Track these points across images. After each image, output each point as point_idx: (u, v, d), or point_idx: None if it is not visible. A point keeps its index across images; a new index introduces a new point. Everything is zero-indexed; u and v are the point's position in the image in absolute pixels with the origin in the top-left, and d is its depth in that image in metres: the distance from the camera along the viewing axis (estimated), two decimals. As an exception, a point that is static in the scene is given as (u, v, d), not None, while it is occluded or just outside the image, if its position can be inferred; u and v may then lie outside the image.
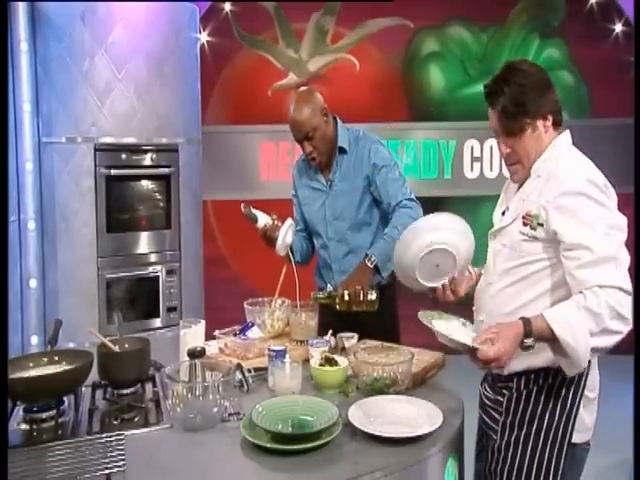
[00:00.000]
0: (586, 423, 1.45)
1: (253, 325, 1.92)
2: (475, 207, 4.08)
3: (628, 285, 1.29)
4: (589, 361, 1.36)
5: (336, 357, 1.66)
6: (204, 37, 4.23)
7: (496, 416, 1.50)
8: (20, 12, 2.87)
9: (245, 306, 2.02)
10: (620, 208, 1.41)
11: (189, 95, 3.30)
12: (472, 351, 1.31)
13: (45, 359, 1.58)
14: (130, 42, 3.04)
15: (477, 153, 4.48)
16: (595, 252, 1.30)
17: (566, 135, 1.49)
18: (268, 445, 1.26)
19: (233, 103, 4.47)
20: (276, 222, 2.10)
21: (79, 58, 2.95)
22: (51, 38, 2.94)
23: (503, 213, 1.55)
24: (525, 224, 1.43)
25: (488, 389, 1.56)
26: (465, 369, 1.56)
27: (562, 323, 1.28)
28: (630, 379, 1.52)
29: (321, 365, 1.62)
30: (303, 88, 2.25)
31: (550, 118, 1.45)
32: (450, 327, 1.46)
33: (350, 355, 1.72)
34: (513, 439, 1.44)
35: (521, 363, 1.42)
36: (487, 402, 1.55)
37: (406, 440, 1.30)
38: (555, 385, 1.41)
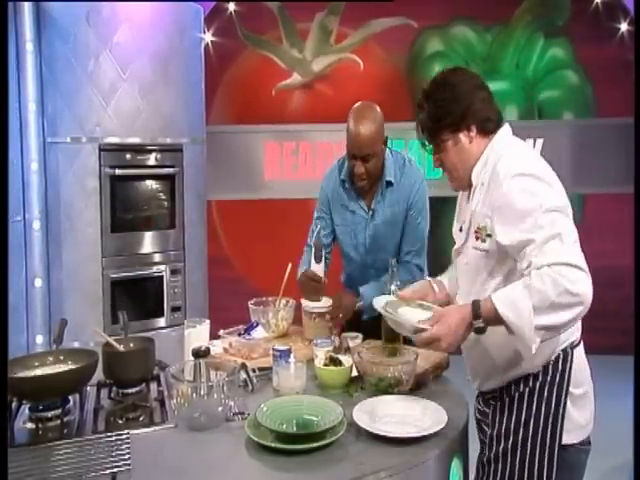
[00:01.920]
0: (578, 421, 1.39)
1: (257, 325, 1.92)
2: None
3: (576, 259, 1.24)
4: (571, 356, 1.36)
5: (340, 357, 1.65)
6: (208, 37, 4.23)
7: (486, 429, 1.47)
8: (25, 12, 2.88)
9: (249, 306, 2.02)
10: (622, 207, 1.41)
11: (193, 95, 3.31)
12: (416, 331, 1.32)
13: (50, 358, 1.58)
14: (135, 42, 3.05)
15: (481, 153, 4.47)
16: (536, 240, 1.26)
17: (501, 136, 1.45)
18: (272, 445, 1.26)
19: (237, 103, 4.47)
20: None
21: (84, 58, 2.95)
22: (56, 38, 2.94)
23: (460, 229, 1.52)
24: (477, 238, 1.41)
25: (481, 403, 1.54)
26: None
27: (506, 301, 1.26)
28: (630, 379, 1.52)
29: (325, 365, 1.62)
30: (369, 103, 2.03)
31: (474, 129, 1.42)
32: (408, 312, 1.46)
33: (354, 355, 1.72)
34: (501, 450, 1.39)
35: (502, 379, 1.40)
36: (479, 416, 1.53)
37: (411, 440, 1.30)
38: (536, 388, 1.37)
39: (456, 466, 1.36)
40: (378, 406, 1.43)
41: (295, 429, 1.34)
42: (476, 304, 1.30)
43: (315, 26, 4.45)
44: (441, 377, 1.70)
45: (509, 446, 1.36)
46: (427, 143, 1.48)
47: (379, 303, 1.52)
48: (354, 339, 1.86)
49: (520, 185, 1.31)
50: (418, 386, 1.58)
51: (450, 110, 1.41)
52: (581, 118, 4.44)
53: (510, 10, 4.45)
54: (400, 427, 1.35)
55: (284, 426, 1.33)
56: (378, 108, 2.02)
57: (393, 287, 1.76)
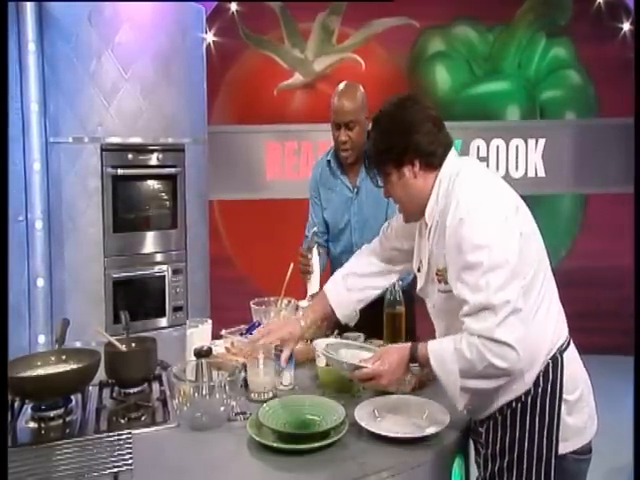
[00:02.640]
0: (576, 426, 1.33)
1: (259, 325, 1.92)
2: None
3: (506, 336, 1.20)
4: (560, 362, 1.31)
5: None
6: (210, 37, 4.24)
7: (480, 450, 1.41)
8: (28, 13, 2.88)
9: (251, 306, 2.02)
10: (624, 207, 1.39)
11: (195, 95, 3.31)
12: (357, 368, 1.34)
13: (53, 358, 1.59)
14: (136, 42, 3.05)
15: (483, 153, 4.46)
16: (470, 302, 1.24)
17: (447, 168, 1.37)
18: (274, 445, 1.27)
19: (239, 103, 4.47)
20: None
21: (86, 58, 2.96)
22: (58, 38, 2.95)
23: (419, 269, 1.47)
24: (439, 281, 1.36)
25: (477, 422, 1.46)
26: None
27: (438, 357, 1.28)
28: (630, 379, 1.51)
29: (327, 365, 1.61)
30: (353, 82, 2.20)
31: (417, 163, 1.36)
32: (349, 354, 1.49)
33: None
34: (497, 470, 1.33)
35: (495, 405, 1.35)
36: (473, 436, 1.48)
37: (413, 440, 1.30)
38: (528, 401, 1.31)
39: (458, 466, 1.36)
40: (380, 406, 1.43)
41: (297, 429, 1.34)
42: (414, 347, 1.33)
43: (317, 26, 4.45)
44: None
45: (505, 465, 1.31)
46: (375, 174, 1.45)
47: (320, 345, 1.52)
48: (356, 339, 1.85)
49: (468, 232, 1.25)
50: (420, 386, 1.58)
51: (392, 144, 1.36)
52: (583, 118, 4.44)
53: (512, 10, 4.45)
54: (402, 427, 1.35)
55: (286, 426, 1.33)
56: (362, 88, 2.17)
57: (396, 287, 1.76)
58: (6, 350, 1.34)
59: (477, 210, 1.26)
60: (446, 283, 1.33)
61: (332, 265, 2.34)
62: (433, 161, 1.37)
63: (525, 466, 1.30)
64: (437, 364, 1.28)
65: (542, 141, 4.39)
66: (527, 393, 1.31)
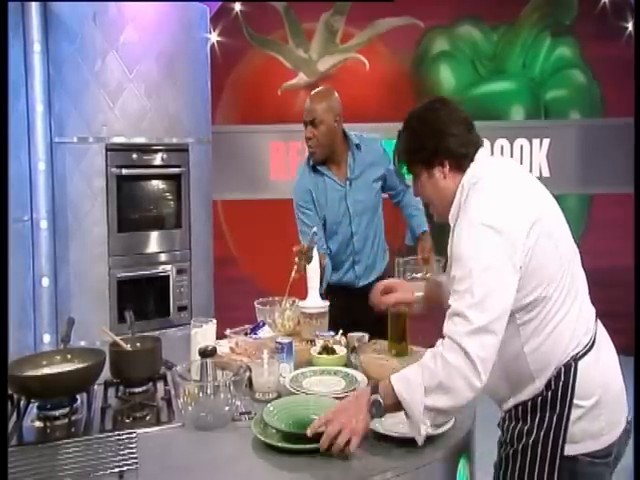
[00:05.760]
0: (590, 431, 1.31)
1: (264, 324, 1.92)
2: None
3: (469, 344, 1.19)
4: (574, 369, 1.30)
5: (335, 347, 1.74)
6: (214, 37, 4.24)
7: (500, 434, 1.44)
8: (33, 13, 2.89)
9: (256, 305, 2.02)
10: (629, 207, 1.39)
11: (199, 95, 3.31)
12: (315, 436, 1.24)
13: (58, 357, 1.59)
14: (141, 42, 3.06)
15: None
16: (450, 304, 1.25)
17: (472, 170, 1.38)
18: (279, 444, 1.27)
19: (243, 103, 4.48)
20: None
21: (90, 58, 2.97)
22: (63, 39, 2.96)
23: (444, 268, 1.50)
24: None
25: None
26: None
27: (400, 378, 1.26)
28: (630, 381, 1.50)
29: (319, 353, 1.71)
30: (329, 87, 2.43)
31: (447, 164, 1.38)
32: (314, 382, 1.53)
33: (360, 355, 1.72)
34: (504, 456, 1.38)
35: (514, 401, 1.37)
36: (500, 422, 1.48)
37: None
38: (538, 402, 1.33)
39: (463, 467, 1.35)
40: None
41: (302, 429, 1.34)
42: (374, 386, 1.29)
43: (321, 26, 4.45)
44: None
45: (511, 453, 1.36)
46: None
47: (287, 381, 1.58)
48: (361, 339, 1.85)
49: (464, 244, 1.27)
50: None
51: (423, 145, 1.39)
52: (588, 118, 4.42)
53: (516, 9, 4.44)
54: (406, 427, 1.34)
55: (291, 426, 1.33)
56: (337, 94, 2.34)
57: None
58: (6, 350, 1.34)
59: (477, 229, 1.26)
60: None
61: (331, 261, 2.40)
62: (463, 162, 1.39)
63: (528, 459, 1.33)
64: (401, 385, 1.24)
65: (547, 141, 4.38)
66: (539, 395, 1.33)
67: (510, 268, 1.24)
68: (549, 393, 1.31)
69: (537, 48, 4.44)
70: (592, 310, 1.42)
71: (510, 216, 1.28)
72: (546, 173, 4.37)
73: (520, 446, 1.34)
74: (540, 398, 1.33)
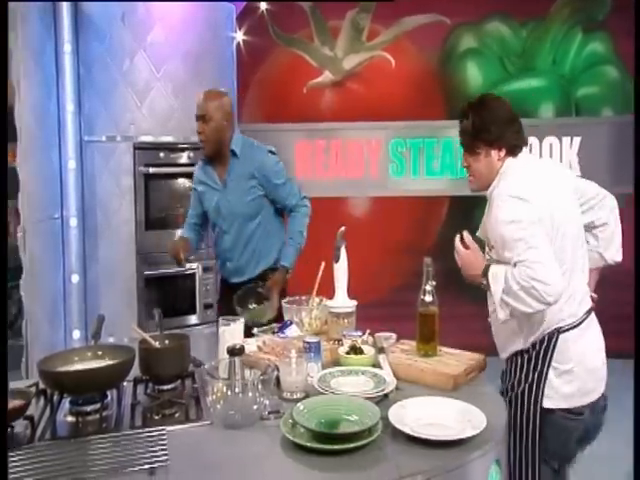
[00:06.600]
0: (562, 391, 1.63)
1: (291, 323, 1.92)
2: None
3: (541, 268, 1.50)
4: (555, 338, 1.63)
5: (363, 347, 1.71)
6: (240, 36, 4.25)
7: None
8: (64, 13, 2.94)
9: (283, 304, 2.02)
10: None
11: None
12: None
13: (89, 354, 1.61)
14: (168, 42, 3.09)
15: (515, 151, 4.39)
16: (513, 253, 1.55)
17: (517, 159, 1.69)
18: (308, 444, 1.26)
19: (268, 101, 4.49)
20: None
21: (119, 58, 3.01)
22: (93, 39, 3.00)
23: (488, 245, 1.74)
24: (490, 249, 1.69)
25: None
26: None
27: (494, 273, 1.61)
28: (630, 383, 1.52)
29: (347, 353, 1.69)
30: (222, 90, 2.51)
31: (504, 150, 1.68)
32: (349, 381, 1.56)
33: (389, 355, 1.70)
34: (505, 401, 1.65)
35: (508, 351, 1.73)
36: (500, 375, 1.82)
37: (449, 443, 1.27)
38: (524, 359, 1.67)
39: (495, 472, 1.33)
40: (415, 407, 1.41)
41: (332, 429, 1.33)
42: (486, 267, 1.64)
43: (346, 24, 4.43)
44: (478, 379, 1.67)
45: (507, 400, 1.66)
46: (461, 144, 1.76)
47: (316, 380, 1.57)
48: (388, 339, 1.84)
49: (503, 204, 1.59)
50: (454, 388, 1.55)
51: (489, 129, 1.67)
52: (621, 114, 4.31)
53: (546, 5, 4.35)
54: (437, 429, 1.32)
55: (321, 425, 1.32)
56: (229, 97, 2.47)
57: (428, 287, 1.74)
58: (6, 350, 1.33)
59: (516, 189, 1.62)
60: (490, 250, 1.68)
61: (222, 259, 2.55)
62: (514, 152, 1.70)
63: (518, 406, 1.66)
64: (492, 277, 1.60)
65: (577, 139, 4.28)
66: (525, 352, 1.67)
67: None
68: (533, 352, 1.65)
69: (568, 44, 4.34)
70: (588, 301, 1.70)
71: (524, 205, 1.59)
72: (577, 172, 4.28)
73: (512, 395, 1.67)
74: (527, 355, 1.66)
